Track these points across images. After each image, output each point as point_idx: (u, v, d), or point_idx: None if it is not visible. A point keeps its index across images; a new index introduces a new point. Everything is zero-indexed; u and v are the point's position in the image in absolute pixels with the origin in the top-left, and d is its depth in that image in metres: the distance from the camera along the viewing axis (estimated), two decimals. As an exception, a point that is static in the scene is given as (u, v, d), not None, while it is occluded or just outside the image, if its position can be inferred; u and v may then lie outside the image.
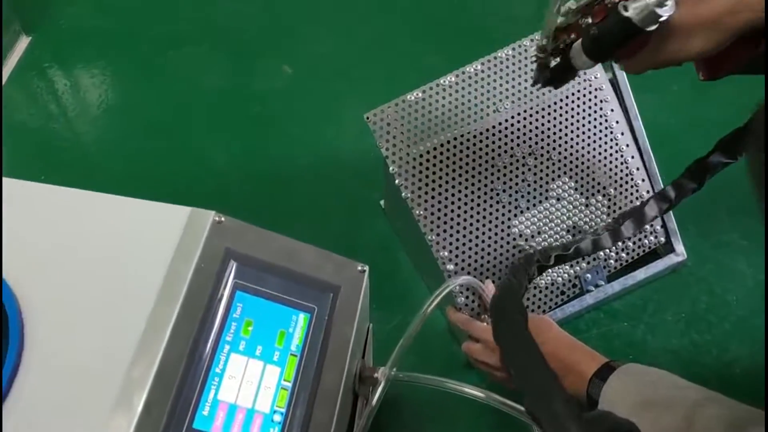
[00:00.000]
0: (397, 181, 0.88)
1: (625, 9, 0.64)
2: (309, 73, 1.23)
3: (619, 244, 0.98)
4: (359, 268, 0.64)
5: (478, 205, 0.91)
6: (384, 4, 1.33)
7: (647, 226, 0.99)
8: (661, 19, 0.63)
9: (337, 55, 1.25)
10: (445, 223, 0.90)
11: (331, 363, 0.58)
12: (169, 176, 1.09)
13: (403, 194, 0.88)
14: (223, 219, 0.60)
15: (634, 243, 0.99)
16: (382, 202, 1.09)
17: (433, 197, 0.89)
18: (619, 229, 0.85)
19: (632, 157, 0.99)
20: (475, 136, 0.91)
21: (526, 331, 0.66)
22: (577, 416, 0.52)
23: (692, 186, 0.86)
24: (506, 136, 0.93)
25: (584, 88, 0.97)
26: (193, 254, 0.58)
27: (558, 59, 0.76)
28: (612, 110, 0.98)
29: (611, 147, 0.98)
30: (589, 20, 0.69)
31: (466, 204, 0.91)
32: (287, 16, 1.30)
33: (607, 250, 0.97)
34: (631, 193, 0.99)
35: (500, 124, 0.93)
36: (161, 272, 0.57)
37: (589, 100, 0.97)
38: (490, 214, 0.92)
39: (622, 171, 0.98)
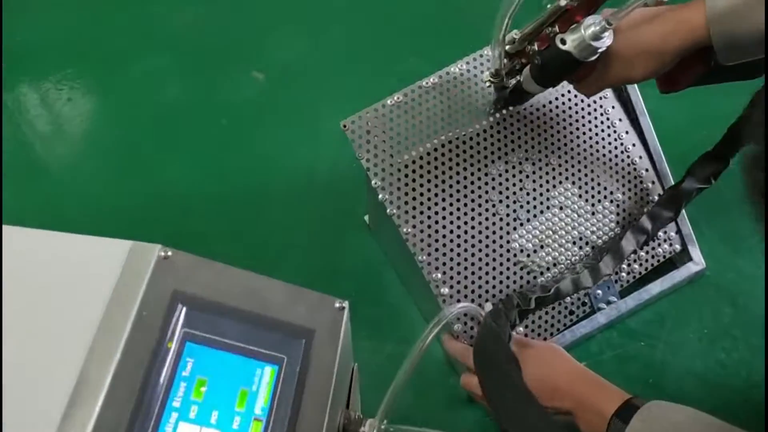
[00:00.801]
0: (380, 196, 0.78)
1: (563, 42, 0.64)
2: (281, 79, 1.13)
3: (631, 255, 0.88)
4: (338, 305, 0.54)
5: (473, 219, 0.81)
6: (360, 3, 1.22)
7: (660, 233, 0.90)
8: (600, 51, 0.64)
9: (311, 58, 1.15)
10: (436, 241, 0.80)
11: (306, 424, 0.48)
12: (129, 200, 0.99)
13: (388, 210, 0.78)
14: (170, 253, 0.50)
15: (647, 252, 0.89)
16: (366, 218, 0.98)
17: (421, 212, 0.79)
18: (597, 265, 0.81)
19: (640, 158, 0.89)
20: (464, 142, 0.82)
21: (522, 386, 0.57)
22: None
23: (668, 215, 0.84)
24: (499, 140, 0.83)
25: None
26: (133, 299, 0.47)
27: (513, 80, 0.77)
28: (613, 107, 0.89)
29: (616, 147, 0.88)
30: (535, 47, 0.69)
31: (459, 218, 0.80)
32: (255, 20, 1.19)
33: (618, 262, 0.87)
34: (641, 197, 0.89)
35: (491, 127, 0.83)
36: (93, 323, 0.46)
37: (593, 101, 0.88)
38: (487, 228, 0.82)
39: (629, 173, 0.89)
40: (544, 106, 0.85)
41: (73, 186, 1.01)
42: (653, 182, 0.90)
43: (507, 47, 0.72)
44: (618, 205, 0.88)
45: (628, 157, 0.89)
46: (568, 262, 0.85)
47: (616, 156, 0.88)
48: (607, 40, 0.63)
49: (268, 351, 0.49)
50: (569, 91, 0.87)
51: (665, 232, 0.90)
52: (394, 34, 1.19)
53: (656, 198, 0.89)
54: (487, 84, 0.79)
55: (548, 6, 0.66)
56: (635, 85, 0.90)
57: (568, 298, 0.85)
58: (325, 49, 1.17)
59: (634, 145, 0.89)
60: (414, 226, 0.79)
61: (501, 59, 0.72)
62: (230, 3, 1.22)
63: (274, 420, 0.47)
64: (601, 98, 0.88)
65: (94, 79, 1.12)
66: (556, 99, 0.86)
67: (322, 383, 0.50)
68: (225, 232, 0.96)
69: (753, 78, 0.71)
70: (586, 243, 0.86)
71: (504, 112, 0.83)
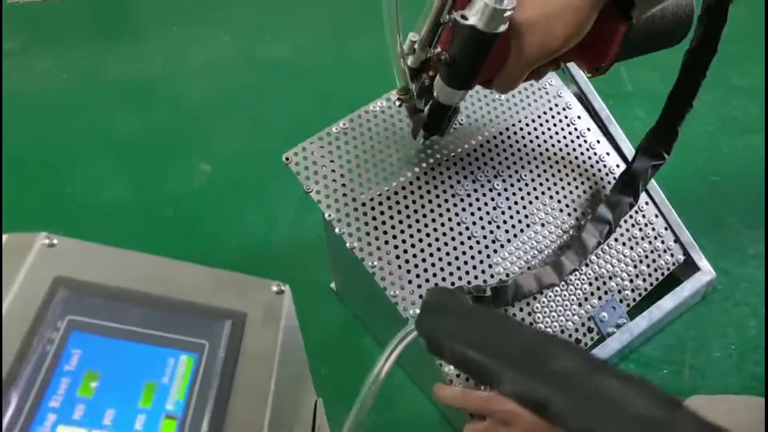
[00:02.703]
0: (337, 230, 0.69)
1: (465, 18, 0.55)
2: (230, 166, 1.06)
3: (631, 270, 0.78)
4: (275, 288, 0.43)
5: (446, 244, 0.72)
6: (300, 88, 1.19)
7: (659, 244, 0.80)
8: (506, 15, 0.54)
9: (258, 143, 1.09)
10: (408, 272, 0.69)
11: (239, 419, 0.36)
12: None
13: (347, 244, 0.69)
14: (56, 241, 0.40)
15: (648, 266, 0.79)
16: (332, 285, 0.88)
17: (386, 242, 0.70)
18: (559, 261, 0.72)
19: (617, 166, 0.82)
20: (424, 164, 0.74)
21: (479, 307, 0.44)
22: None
23: (627, 200, 0.77)
24: (461, 159, 0.76)
25: (550, 107, 0.82)
26: (7, 291, 0.37)
27: (426, 104, 0.67)
28: (579, 117, 0.83)
29: (590, 158, 0.81)
30: (438, 49, 0.59)
31: (430, 245, 0.71)
32: (198, 115, 1.15)
33: (619, 279, 0.77)
34: (629, 209, 0.81)
35: (453, 146, 0.76)
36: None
37: (557, 113, 0.82)
38: (464, 253, 0.72)
39: (610, 183, 0.81)
40: (507, 129, 0.79)
41: None
42: (638, 190, 0.82)
43: (409, 61, 0.63)
44: (605, 217, 0.79)
45: (605, 166, 0.81)
46: (563, 282, 0.74)
47: (592, 166, 0.81)
48: (511, 1, 0.54)
49: (183, 337, 0.37)
50: (532, 112, 0.80)
51: (663, 242, 0.81)
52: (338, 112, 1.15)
53: (643, 204, 0.81)
54: (397, 104, 0.67)
55: None
56: (596, 93, 0.84)
57: (571, 324, 0.74)
58: (269, 132, 1.12)
59: (608, 154, 0.82)
60: (380, 258, 0.69)
61: (406, 72, 0.63)
62: (168, 106, 1.18)
63: (193, 416, 0.35)
64: (565, 108, 0.82)
65: (28, 194, 1.04)
66: (520, 122, 0.80)
67: (258, 372, 0.38)
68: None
69: (677, 42, 0.66)
70: (578, 260, 0.76)
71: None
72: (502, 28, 0.55)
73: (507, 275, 0.73)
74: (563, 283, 0.74)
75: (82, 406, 0.33)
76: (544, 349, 0.32)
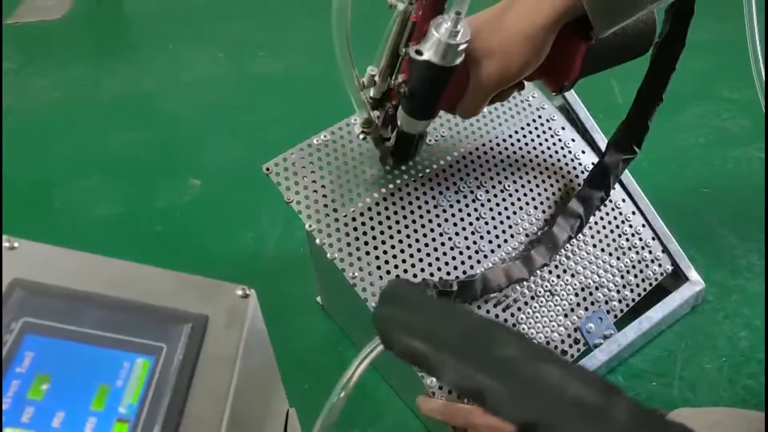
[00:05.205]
0: (318, 240, 0.68)
1: (419, 53, 0.55)
2: (219, 182, 1.06)
3: (618, 280, 0.77)
4: (239, 291, 0.42)
5: (428, 255, 0.71)
6: (292, 104, 1.20)
7: (646, 254, 0.79)
8: (461, 49, 0.55)
9: (249, 158, 1.09)
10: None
11: (196, 420, 0.35)
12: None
13: (328, 254, 0.68)
14: (16, 244, 0.40)
15: (635, 277, 0.78)
16: (318, 298, 0.87)
17: (367, 253, 0.69)
18: (529, 255, 0.71)
19: (604, 176, 0.81)
20: (405, 176, 0.74)
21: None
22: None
23: (599, 195, 0.76)
24: (444, 170, 0.75)
25: (533, 118, 0.82)
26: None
27: (393, 133, 0.67)
28: (563, 128, 0.82)
29: (575, 168, 0.81)
30: (399, 79, 0.60)
31: (412, 256, 0.70)
32: (190, 130, 1.16)
33: (606, 290, 0.76)
34: (614, 217, 0.80)
35: (436, 156, 0.76)
36: None
37: (540, 125, 0.81)
38: (446, 264, 0.71)
39: (596, 193, 0.80)
40: (490, 141, 0.78)
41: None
42: (623, 200, 0.81)
43: (371, 92, 0.62)
44: (591, 227, 0.78)
45: (591, 176, 0.81)
46: (548, 293, 0.74)
47: (577, 176, 0.80)
48: (464, 35, 0.54)
49: (141, 340, 0.37)
50: (516, 123, 0.80)
51: (651, 252, 0.80)
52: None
53: (629, 214, 0.80)
54: (362, 137, 0.67)
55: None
56: (581, 102, 0.84)
57: (557, 335, 0.73)
58: (258, 148, 1.12)
59: (593, 164, 0.81)
60: (361, 269, 0.68)
61: (366, 104, 0.62)
62: (161, 123, 1.19)
63: (146, 419, 0.34)
64: (548, 120, 0.82)
65: (18, 209, 1.04)
66: (503, 133, 0.79)
67: (218, 376, 0.37)
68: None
69: (641, 55, 0.67)
70: (565, 270, 0.75)
71: (459, 132, 0.77)
72: (458, 60, 0.56)
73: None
74: (548, 293, 0.74)
75: (32, 409, 0.33)
76: (486, 337, 0.32)
